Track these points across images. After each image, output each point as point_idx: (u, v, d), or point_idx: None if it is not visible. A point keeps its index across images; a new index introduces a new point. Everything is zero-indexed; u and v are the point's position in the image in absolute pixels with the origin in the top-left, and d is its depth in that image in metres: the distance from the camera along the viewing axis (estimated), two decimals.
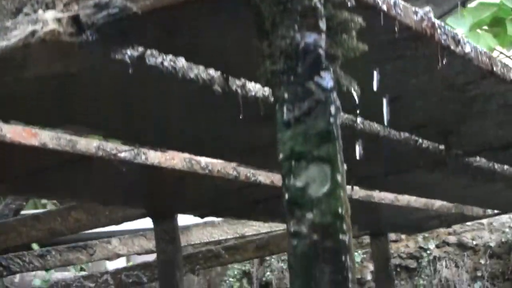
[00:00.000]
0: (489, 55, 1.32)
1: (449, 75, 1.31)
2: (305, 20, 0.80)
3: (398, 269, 6.43)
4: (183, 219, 3.25)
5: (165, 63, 1.05)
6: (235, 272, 6.73)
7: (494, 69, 1.32)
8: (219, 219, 3.82)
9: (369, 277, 5.81)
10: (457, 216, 3.39)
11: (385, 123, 1.33)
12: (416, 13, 1.08)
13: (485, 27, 4.00)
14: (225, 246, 3.87)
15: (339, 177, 0.79)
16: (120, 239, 3.82)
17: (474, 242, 5.42)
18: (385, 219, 3.34)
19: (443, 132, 1.77)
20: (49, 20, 0.80)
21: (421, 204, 2.99)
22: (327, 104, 0.80)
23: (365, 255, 5.87)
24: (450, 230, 5.55)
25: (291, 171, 0.78)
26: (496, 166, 2.21)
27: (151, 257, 3.95)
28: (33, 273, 6.10)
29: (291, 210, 0.79)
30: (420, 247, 5.82)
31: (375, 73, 1.15)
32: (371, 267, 5.21)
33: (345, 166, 0.81)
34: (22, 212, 4.15)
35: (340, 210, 0.78)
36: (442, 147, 1.87)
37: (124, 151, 1.78)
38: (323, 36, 0.81)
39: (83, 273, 6.53)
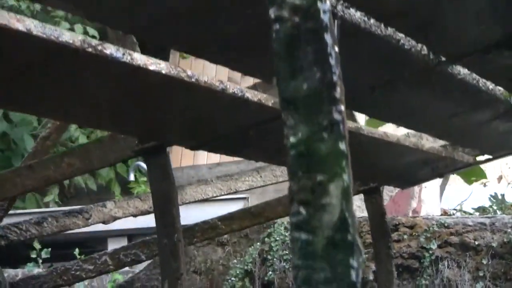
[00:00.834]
0: None
1: None
2: None
3: (400, 269, 6.43)
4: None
5: None
6: (237, 272, 6.74)
7: None
8: (212, 176, 3.84)
9: (371, 277, 5.81)
10: (448, 163, 3.28)
11: None
12: None
13: None
14: (220, 217, 3.88)
15: None
16: (115, 202, 3.84)
17: (476, 242, 5.41)
18: (376, 163, 3.19)
19: (423, 26, 1.75)
20: None
21: (410, 143, 2.94)
22: None
23: (367, 255, 5.87)
24: (452, 230, 5.55)
25: None
26: (481, 83, 2.17)
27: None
28: (35, 271, 6.11)
29: None
30: (422, 247, 5.82)
31: None
32: (373, 266, 5.21)
33: None
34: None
35: None
36: (424, 51, 1.85)
37: (110, 48, 1.73)
38: None
39: None
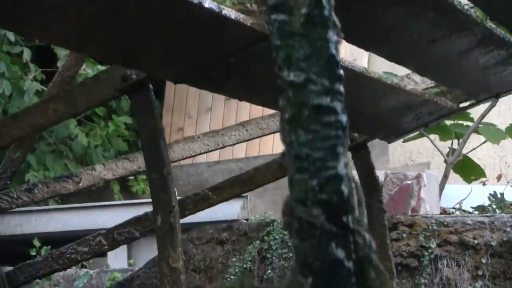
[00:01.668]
0: None
1: None
2: None
3: (399, 268, 6.43)
4: None
5: None
6: (236, 270, 6.74)
7: None
8: (211, 174, 3.88)
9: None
10: (431, 109, 3.20)
11: None
12: None
13: None
14: (211, 187, 3.90)
15: None
16: (104, 164, 3.86)
17: (476, 241, 5.41)
18: (358, 105, 3.01)
19: None
20: None
21: (392, 82, 2.90)
22: None
23: None
24: (452, 229, 5.55)
25: None
26: (456, 2, 2.14)
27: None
28: None
29: None
30: (422, 246, 5.83)
31: None
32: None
33: None
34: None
35: None
36: None
37: None
38: None
39: (84, 269, 6.53)
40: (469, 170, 6.18)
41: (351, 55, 6.94)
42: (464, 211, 6.29)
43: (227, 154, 9.49)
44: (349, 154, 3.57)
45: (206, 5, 1.98)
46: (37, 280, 5.62)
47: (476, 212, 6.04)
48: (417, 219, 6.66)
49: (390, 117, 3.33)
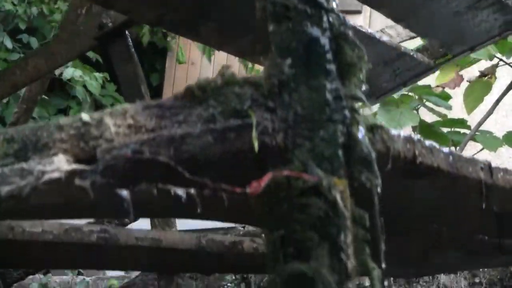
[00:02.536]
0: None
1: None
2: None
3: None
4: None
5: None
6: (233, 277, 6.74)
7: None
8: None
9: (367, 283, 5.81)
10: (408, 65, 3.04)
11: None
12: None
13: None
14: None
15: None
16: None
17: None
18: None
19: None
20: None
21: (368, 32, 2.80)
22: None
23: None
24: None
25: None
26: None
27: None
28: (31, 277, 6.10)
29: None
30: None
31: None
32: None
33: None
34: None
35: None
36: None
37: None
38: None
39: (80, 277, 6.53)
40: None
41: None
42: None
43: None
44: None
45: None
46: (33, 286, 5.62)
47: None
48: None
49: (368, 75, 3.27)
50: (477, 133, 5.14)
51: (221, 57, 6.92)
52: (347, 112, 0.84)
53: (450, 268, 2.60)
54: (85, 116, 0.82)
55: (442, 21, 2.74)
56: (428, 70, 3.31)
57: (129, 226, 4.01)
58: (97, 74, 8.02)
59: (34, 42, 8.01)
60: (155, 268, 2.40)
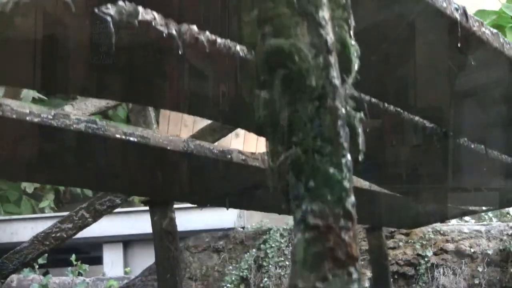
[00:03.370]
0: None
1: None
2: None
3: (396, 276, 6.43)
4: None
5: None
6: (233, 278, 6.73)
7: None
8: None
9: (367, 284, 5.82)
10: None
11: None
12: None
13: None
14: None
15: None
16: (73, 104, 3.83)
17: (472, 250, 5.42)
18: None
19: None
20: None
21: None
22: None
23: (362, 262, 5.87)
24: (448, 237, 5.55)
25: None
26: None
27: None
28: (31, 277, 6.10)
29: None
30: (418, 254, 5.82)
31: None
32: (368, 273, 5.22)
33: None
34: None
35: None
36: None
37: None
38: None
39: (80, 278, 6.52)
40: None
41: None
42: (460, 219, 6.29)
43: None
44: None
45: None
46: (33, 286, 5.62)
47: (473, 221, 6.05)
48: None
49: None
50: None
51: None
52: None
53: None
54: None
55: None
56: None
57: None
58: None
59: None
60: (143, 169, 2.35)
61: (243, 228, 7.22)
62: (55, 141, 2.02)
